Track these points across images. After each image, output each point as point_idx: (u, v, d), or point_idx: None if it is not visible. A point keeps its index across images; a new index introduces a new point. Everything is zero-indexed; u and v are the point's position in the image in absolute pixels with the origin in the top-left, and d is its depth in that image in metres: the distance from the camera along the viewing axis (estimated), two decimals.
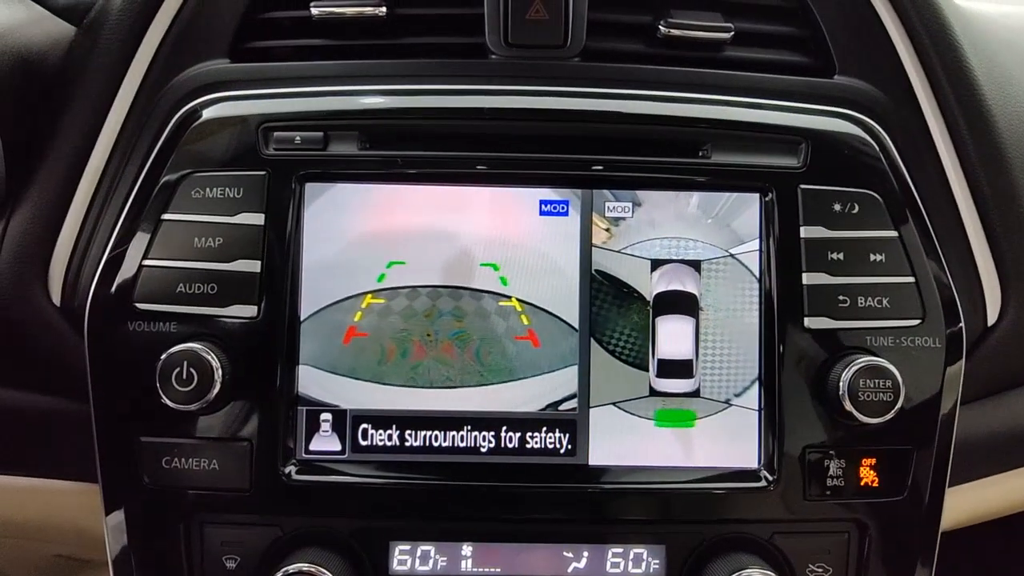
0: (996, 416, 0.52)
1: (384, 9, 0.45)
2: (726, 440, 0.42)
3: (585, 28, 0.45)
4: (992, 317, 0.46)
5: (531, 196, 0.42)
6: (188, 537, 0.41)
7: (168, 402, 0.38)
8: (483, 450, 0.41)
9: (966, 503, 0.51)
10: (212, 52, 0.46)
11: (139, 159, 0.44)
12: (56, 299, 0.44)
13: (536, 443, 0.41)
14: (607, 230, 0.43)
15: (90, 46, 0.46)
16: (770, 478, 0.41)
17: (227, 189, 0.41)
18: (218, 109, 0.43)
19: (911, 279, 0.43)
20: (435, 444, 0.41)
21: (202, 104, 0.43)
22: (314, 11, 0.45)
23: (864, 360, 0.40)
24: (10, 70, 0.44)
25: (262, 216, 0.41)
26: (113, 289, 0.41)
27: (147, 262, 0.41)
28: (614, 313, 0.42)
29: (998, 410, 0.52)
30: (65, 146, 0.45)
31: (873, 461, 0.42)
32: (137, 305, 0.41)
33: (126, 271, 0.41)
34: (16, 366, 0.46)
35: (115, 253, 0.42)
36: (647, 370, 0.42)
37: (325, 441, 0.41)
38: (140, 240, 0.41)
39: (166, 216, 0.41)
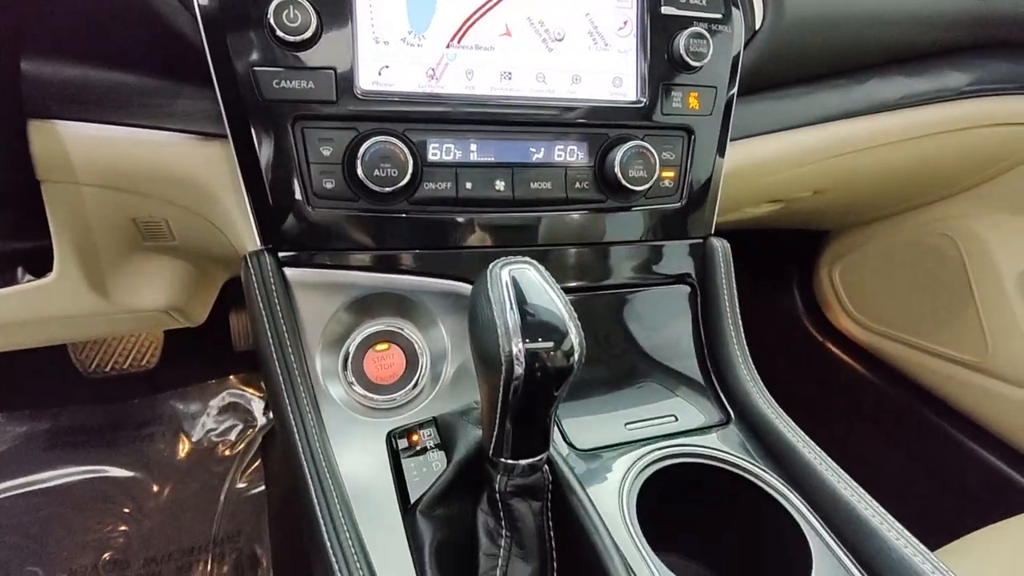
0: (756, 106, 0.87)
1: None
2: (619, 83, 0.71)
3: None
4: (757, 24, 0.79)
5: None
6: (294, 135, 0.61)
7: (281, 34, 0.57)
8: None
9: (741, 152, 0.86)
10: None
11: None
12: None
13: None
14: None
15: None
16: (644, 101, 0.71)
17: None
18: None
19: None
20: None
21: None
22: None
23: (692, 29, 0.70)
24: None
25: None
26: None
27: None
28: None
29: (756, 103, 0.87)
30: None
31: (696, 94, 0.73)
32: None
33: None
34: (135, 43, 0.60)
35: None
36: None
37: (389, 75, 0.63)
38: None
39: None
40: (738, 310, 0.75)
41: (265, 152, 0.61)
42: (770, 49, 0.81)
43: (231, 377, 1.56)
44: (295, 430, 0.55)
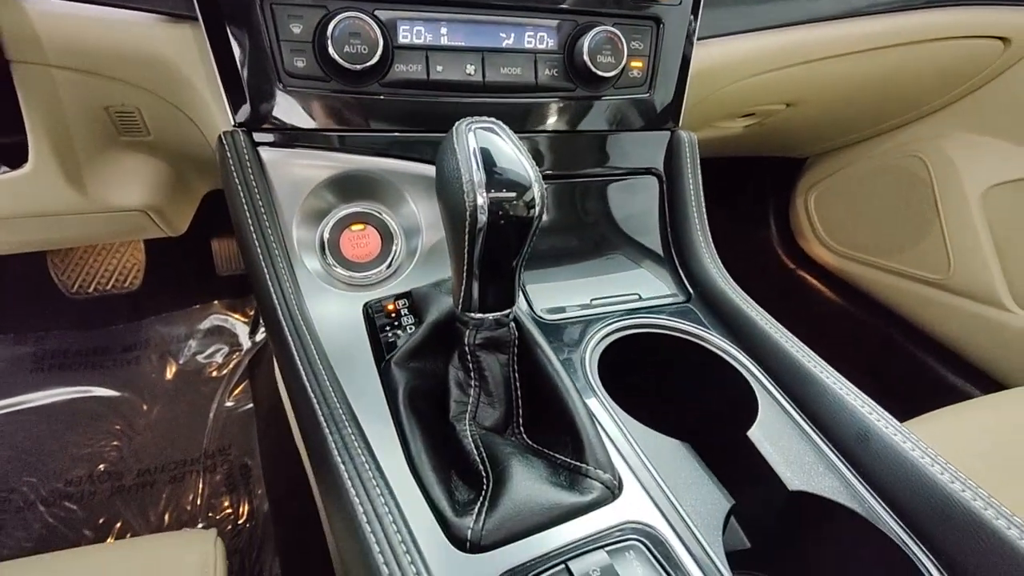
0: (726, 7, 0.88)
1: None
2: None
3: None
4: None
5: None
6: (263, 11, 0.61)
7: None
8: None
9: (709, 52, 0.87)
10: None
11: None
12: None
13: None
14: None
15: None
16: None
17: None
18: None
19: None
20: None
21: None
22: None
23: None
24: None
25: None
26: None
27: None
28: None
29: (726, 4, 0.88)
30: None
31: None
32: None
33: None
34: None
35: None
36: None
37: None
38: None
39: None
40: (702, 198, 0.78)
41: (234, 30, 0.61)
42: None
43: (215, 302, 1.58)
44: (272, 291, 0.58)
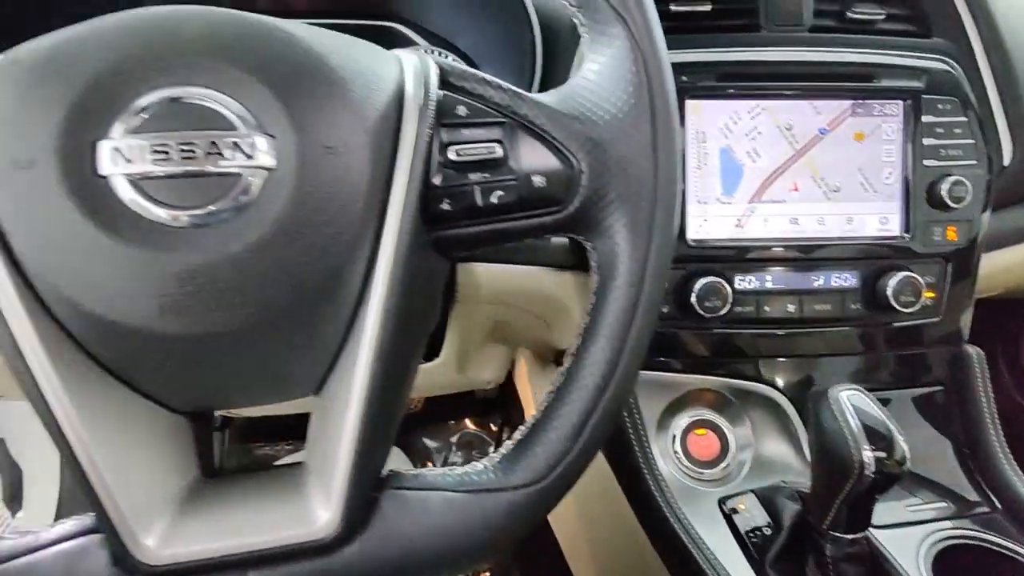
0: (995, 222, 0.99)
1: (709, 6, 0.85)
2: (885, 221, 0.88)
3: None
4: (1006, 161, 0.92)
5: None
6: None
7: None
8: None
9: (992, 264, 0.97)
10: None
11: None
12: None
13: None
14: None
15: None
16: (907, 236, 0.87)
17: None
18: None
19: (973, 141, 0.88)
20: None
21: None
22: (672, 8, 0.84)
23: (954, 178, 0.85)
24: None
25: None
26: None
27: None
28: None
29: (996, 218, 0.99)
30: None
31: (955, 228, 0.87)
32: None
33: None
34: None
35: None
36: None
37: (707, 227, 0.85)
38: None
39: None
40: (995, 409, 0.87)
41: None
42: (1017, 179, 0.94)
43: (466, 419, 1.86)
44: (656, 495, 0.77)
